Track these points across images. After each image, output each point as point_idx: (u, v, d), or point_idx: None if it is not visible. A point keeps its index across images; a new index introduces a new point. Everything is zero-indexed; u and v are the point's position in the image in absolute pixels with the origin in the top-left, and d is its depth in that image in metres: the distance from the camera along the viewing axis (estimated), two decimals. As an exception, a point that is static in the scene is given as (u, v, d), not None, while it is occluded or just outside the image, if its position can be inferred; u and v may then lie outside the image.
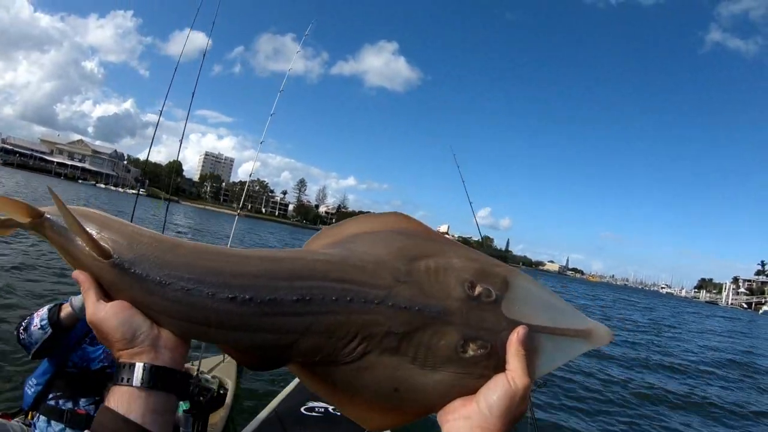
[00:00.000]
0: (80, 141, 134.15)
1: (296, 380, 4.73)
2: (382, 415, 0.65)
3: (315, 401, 4.03)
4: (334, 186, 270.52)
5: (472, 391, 0.63)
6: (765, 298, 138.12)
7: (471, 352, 0.63)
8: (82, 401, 2.15)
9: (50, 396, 2.14)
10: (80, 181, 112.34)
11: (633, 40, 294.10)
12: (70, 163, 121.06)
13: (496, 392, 0.61)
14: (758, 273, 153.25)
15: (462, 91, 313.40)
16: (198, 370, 4.87)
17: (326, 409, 3.96)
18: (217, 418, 4.31)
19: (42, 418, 2.11)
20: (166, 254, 0.63)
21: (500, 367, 0.63)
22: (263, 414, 3.85)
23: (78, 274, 0.65)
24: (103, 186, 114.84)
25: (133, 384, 0.60)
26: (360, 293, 0.62)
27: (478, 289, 0.64)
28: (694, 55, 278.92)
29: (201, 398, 4.39)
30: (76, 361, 2.20)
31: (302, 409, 3.91)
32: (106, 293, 0.64)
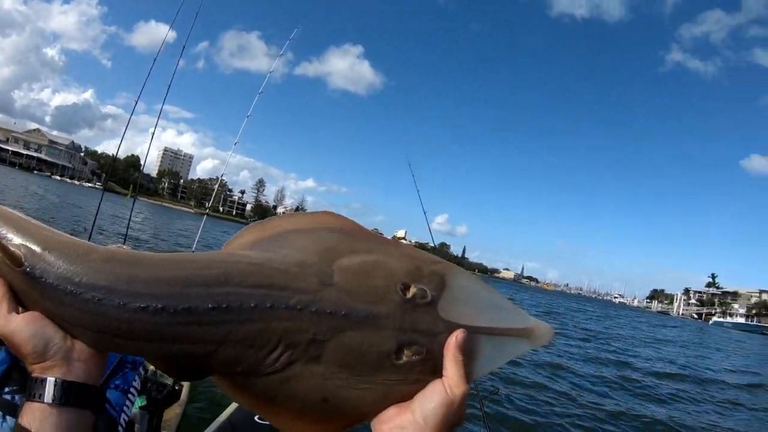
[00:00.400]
0: (37, 130, 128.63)
1: None
2: (311, 426, 0.61)
3: None
4: (293, 187, 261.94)
5: (407, 398, 0.60)
6: (715, 309, 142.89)
7: (405, 359, 0.59)
8: None
9: (6, 390, 2.06)
10: (35, 171, 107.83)
11: (596, 56, 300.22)
12: (25, 152, 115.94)
13: (432, 401, 0.58)
14: (708, 285, 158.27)
15: (425, 98, 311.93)
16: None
17: None
18: (173, 413, 4.29)
19: None
20: (78, 262, 0.57)
21: (437, 371, 0.60)
22: (215, 424, 3.72)
23: None
24: (58, 178, 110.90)
25: (45, 400, 0.56)
26: (281, 299, 0.58)
27: (412, 291, 0.60)
28: (654, 73, 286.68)
29: (157, 394, 4.35)
30: None
31: (256, 418, 3.75)
32: (21, 303, 0.59)
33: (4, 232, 0.59)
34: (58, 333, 0.58)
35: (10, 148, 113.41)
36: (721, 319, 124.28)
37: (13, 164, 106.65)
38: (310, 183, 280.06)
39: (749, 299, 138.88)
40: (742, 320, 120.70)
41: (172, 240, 26.85)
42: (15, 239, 0.58)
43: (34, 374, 0.58)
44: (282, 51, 7.39)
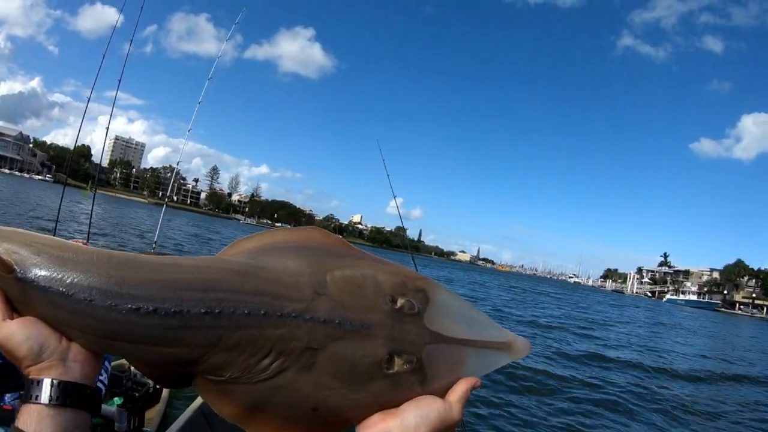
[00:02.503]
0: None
1: None
2: None
3: None
4: (246, 174, 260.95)
5: (393, 407, 0.61)
6: (667, 287, 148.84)
7: (396, 368, 0.60)
8: (7, 397, 2.03)
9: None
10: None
11: (548, 40, 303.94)
12: None
13: (430, 410, 0.60)
14: (661, 264, 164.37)
15: (377, 81, 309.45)
16: (130, 366, 4.76)
17: None
18: (154, 413, 4.24)
19: None
20: (70, 264, 0.57)
21: (425, 383, 0.62)
22: (188, 412, 3.72)
23: None
24: (7, 171, 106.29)
25: (42, 401, 0.56)
26: (275, 306, 0.58)
27: (400, 302, 0.63)
28: (605, 58, 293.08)
29: (135, 393, 4.31)
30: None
31: None
32: (16, 309, 0.59)
33: None
34: (53, 335, 0.58)
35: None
36: (674, 297, 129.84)
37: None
38: (263, 169, 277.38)
39: (700, 277, 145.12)
40: (694, 297, 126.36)
41: (132, 233, 26.22)
42: (3, 246, 0.58)
43: (31, 376, 0.58)
44: (228, 35, 7.24)
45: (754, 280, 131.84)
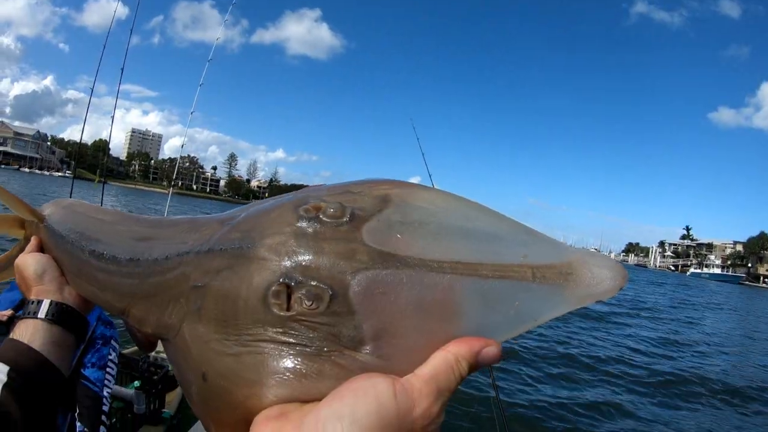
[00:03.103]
0: (1, 123, 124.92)
1: None
2: (209, 423, 0.42)
3: None
4: (263, 159, 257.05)
5: (314, 389, 0.36)
6: (690, 260, 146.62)
7: (294, 305, 0.37)
8: None
9: None
10: (2, 166, 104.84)
11: (559, 9, 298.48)
12: None
13: (365, 401, 0.32)
14: (683, 237, 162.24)
15: (386, 58, 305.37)
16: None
17: None
18: (173, 395, 4.17)
19: None
20: (79, 218, 0.69)
21: (364, 342, 0.36)
22: None
23: (33, 237, 0.76)
24: (27, 170, 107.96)
25: (38, 316, 0.67)
26: (180, 246, 0.47)
27: (320, 209, 0.40)
28: (619, 26, 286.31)
29: (154, 376, 4.28)
30: None
31: None
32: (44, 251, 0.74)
33: (45, 207, 0.78)
34: (57, 268, 0.70)
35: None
36: (698, 270, 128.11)
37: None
38: (280, 154, 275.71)
39: (724, 250, 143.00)
40: (718, 271, 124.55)
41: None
42: (52, 205, 0.77)
43: (31, 296, 0.69)
44: (226, 15, 7.10)
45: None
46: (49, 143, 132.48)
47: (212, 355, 0.40)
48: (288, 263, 0.38)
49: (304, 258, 0.37)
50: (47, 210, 0.75)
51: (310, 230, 0.39)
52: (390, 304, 0.35)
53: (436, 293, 0.36)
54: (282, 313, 0.37)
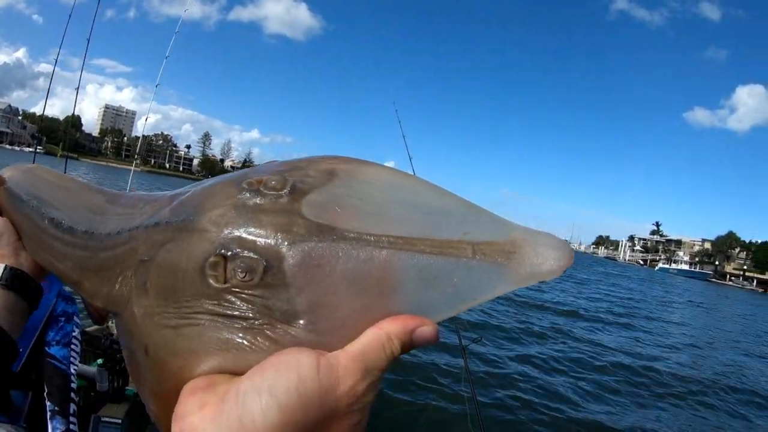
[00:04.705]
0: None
1: None
2: (155, 401, 0.41)
3: None
4: (237, 139, 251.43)
5: (244, 362, 0.35)
6: (659, 255, 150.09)
7: (229, 277, 0.36)
8: None
9: None
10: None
11: (540, 3, 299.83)
12: None
13: (286, 376, 0.31)
14: (653, 233, 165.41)
15: (364, 41, 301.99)
16: (108, 325, 4.67)
17: None
18: None
19: None
20: (40, 182, 0.66)
21: (297, 316, 0.35)
22: None
23: None
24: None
25: None
26: (130, 220, 0.46)
27: (261, 182, 0.39)
28: (599, 21, 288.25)
29: (117, 354, 4.23)
30: None
31: None
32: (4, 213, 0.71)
33: (5, 170, 0.73)
34: (14, 233, 0.68)
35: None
36: (666, 266, 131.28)
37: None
38: (254, 134, 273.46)
39: (692, 247, 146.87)
40: (686, 267, 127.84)
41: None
42: (11, 168, 0.73)
43: None
44: None
45: (744, 253, 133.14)
46: (20, 118, 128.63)
47: (154, 328, 0.39)
48: (225, 235, 0.37)
49: (241, 230, 0.37)
50: (8, 173, 0.71)
51: (249, 203, 0.38)
52: (325, 278, 0.34)
53: (373, 268, 0.34)
54: (218, 285, 0.36)
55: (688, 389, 8.93)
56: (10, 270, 0.66)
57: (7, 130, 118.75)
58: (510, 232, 0.37)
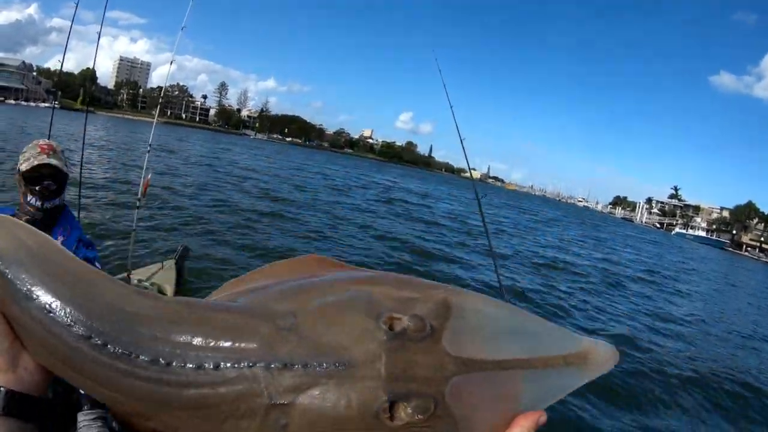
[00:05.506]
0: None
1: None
2: None
3: None
4: (254, 89, 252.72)
5: None
6: (676, 220, 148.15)
7: (405, 418, 0.42)
8: None
9: None
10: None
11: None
12: None
13: None
14: (671, 197, 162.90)
15: None
16: (129, 273, 4.72)
17: None
18: None
19: None
20: (45, 265, 0.52)
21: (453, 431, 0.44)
22: None
23: None
24: (13, 102, 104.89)
25: None
26: (229, 357, 0.46)
27: (402, 322, 0.45)
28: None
29: None
30: None
31: None
32: None
33: None
34: (9, 336, 0.52)
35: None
36: (683, 231, 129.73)
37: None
38: (271, 83, 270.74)
39: (710, 214, 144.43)
40: (703, 234, 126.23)
41: (136, 147, 26.19)
42: None
43: None
44: None
45: (763, 224, 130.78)
46: (34, 73, 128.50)
47: None
48: (390, 378, 0.42)
49: (405, 373, 0.43)
50: None
51: (398, 344, 0.43)
52: (477, 401, 0.44)
53: (507, 385, 0.45)
54: (392, 425, 0.42)
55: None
56: (6, 394, 0.51)
57: (22, 87, 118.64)
58: (581, 343, 0.49)
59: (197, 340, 0.47)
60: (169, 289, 4.87)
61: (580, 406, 5.65)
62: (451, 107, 5.10)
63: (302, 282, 0.53)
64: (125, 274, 4.72)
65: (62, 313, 0.49)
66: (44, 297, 0.50)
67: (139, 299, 0.51)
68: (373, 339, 0.44)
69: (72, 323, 0.48)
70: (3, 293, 0.52)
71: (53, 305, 0.49)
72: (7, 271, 0.51)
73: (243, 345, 0.46)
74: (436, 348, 0.44)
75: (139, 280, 4.79)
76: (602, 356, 0.49)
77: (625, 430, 5.48)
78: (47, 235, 0.56)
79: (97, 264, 2.30)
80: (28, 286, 0.50)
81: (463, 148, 4.90)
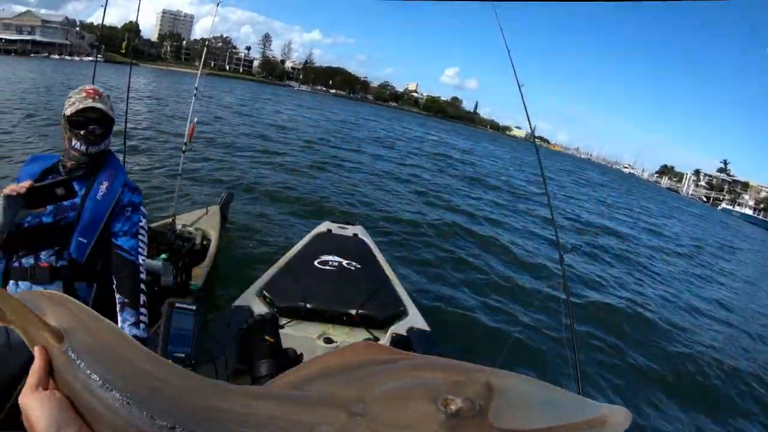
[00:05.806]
0: (28, 12, 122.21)
1: (309, 236, 4.64)
2: None
3: (327, 255, 3.95)
4: (298, 40, 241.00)
5: None
6: (723, 195, 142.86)
7: None
8: (43, 254, 2.02)
9: (13, 258, 2.04)
10: (32, 55, 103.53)
11: None
12: (18, 37, 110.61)
13: None
14: (720, 171, 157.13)
15: None
16: (174, 218, 4.66)
17: (340, 263, 3.86)
18: (200, 270, 4.07)
19: (10, 282, 2.02)
20: (119, 354, 0.55)
21: None
22: (277, 264, 3.88)
23: (37, 349, 0.57)
24: (57, 57, 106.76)
25: None
26: None
27: (456, 404, 0.52)
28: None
29: (182, 249, 4.18)
30: (29, 219, 2.04)
31: (315, 263, 3.84)
32: (55, 382, 0.57)
33: (49, 309, 0.60)
34: (76, 422, 0.53)
35: (2, 36, 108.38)
36: (729, 207, 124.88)
37: (8, 52, 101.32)
38: (315, 35, 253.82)
39: (759, 192, 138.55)
40: (749, 212, 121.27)
41: (181, 98, 26.48)
42: (58, 317, 0.59)
43: None
44: None
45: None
46: (78, 29, 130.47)
47: None
48: None
49: None
50: (64, 325, 0.58)
51: (456, 423, 0.50)
52: None
53: None
54: None
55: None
56: None
57: (66, 42, 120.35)
58: (599, 409, 0.54)
59: (278, 426, 0.50)
60: (214, 234, 4.79)
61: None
62: (509, 51, 4.73)
63: (364, 371, 0.59)
64: (170, 219, 4.66)
65: (141, 405, 0.51)
66: (120, 388, 0.52)
67: (216, 390, 0.54)
68: (435, 419, 0.50)
69: (153, 416, 0.50)
70: (74, 381, 0.54)
71: (131, 397, 0.51)
72: (79, 360, 0.54)
73: (321, 429, 0.50)
74: (484, 423, 0.51)
75: (184, 225, 4.73)
76: (617, 419, 0.55)
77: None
78: (108, 320, 0.59)
79: (142, 208, 2.24)
80: (103, 375, 0.52)
81: (521, 94, 4.52)
